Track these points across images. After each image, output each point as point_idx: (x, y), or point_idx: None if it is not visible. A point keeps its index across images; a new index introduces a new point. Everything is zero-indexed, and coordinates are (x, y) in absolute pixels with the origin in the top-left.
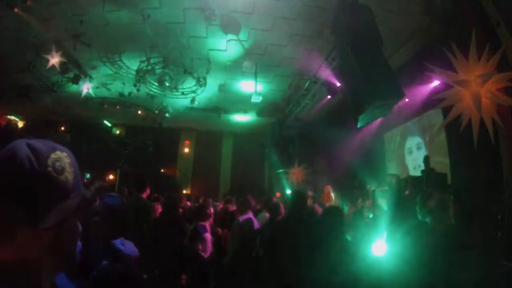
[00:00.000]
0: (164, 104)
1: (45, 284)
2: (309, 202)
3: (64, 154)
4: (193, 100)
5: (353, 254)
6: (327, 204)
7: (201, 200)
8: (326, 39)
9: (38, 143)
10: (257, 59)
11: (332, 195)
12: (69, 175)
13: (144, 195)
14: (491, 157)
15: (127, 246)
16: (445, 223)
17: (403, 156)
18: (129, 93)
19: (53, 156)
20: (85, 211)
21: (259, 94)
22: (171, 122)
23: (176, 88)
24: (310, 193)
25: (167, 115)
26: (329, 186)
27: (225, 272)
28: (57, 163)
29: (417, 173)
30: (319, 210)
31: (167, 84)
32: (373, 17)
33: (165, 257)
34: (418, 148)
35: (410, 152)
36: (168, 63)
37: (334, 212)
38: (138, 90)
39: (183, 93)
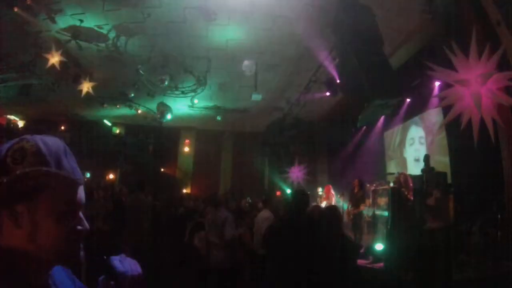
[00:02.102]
0: (164, 103)
1: (36, 277)
2: (326, 197)
3: (31, 143)
4: (193, 99)
5: (353, 253)
6: (327, 203)
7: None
8: (327, 38)
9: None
10: (257, 58)
11: (333, 193)
12: (30, 163)
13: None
14: (491, 156)
15: (124, 264)
16: (444, 222)
17: (404, 150)
18: (130, 92)
19: (15, 147)
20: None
21: (259, 93)
22: (171, 121)
23: (176, 87)
24: (330, 186)
25: (167, 114)
26: (329, 185)
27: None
28: (17, 153)
29: (417, 165)
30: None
31: (166, 83)
32: (373, 16)
33: (165, 254)
34: (421, 143)
35: (412, 143)
36: (169, 62)
37: (332, 211)
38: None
39: (183, 92)
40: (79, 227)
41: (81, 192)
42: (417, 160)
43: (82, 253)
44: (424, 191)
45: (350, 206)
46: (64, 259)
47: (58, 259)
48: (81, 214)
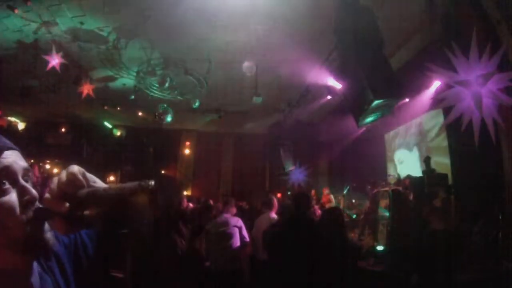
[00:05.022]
0: (165, 105)
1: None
2: (324, 199)
3: None
4: (193, 101)
5: (355, 254)
6: (327, 205)
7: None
8: (327, 39)
9: None
10: (257, 60)
11: (331, 196)
12: None
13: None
14: (492, 157)
15: None
16: (448, 223)
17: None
18: (132, 94)
19: None
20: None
21: (259, 95)
22: (172, 123)
23: (176, 89)
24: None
25: (168, 116)
26: (327, 188)
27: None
28: None
29: (403, 167)
30: (318, 211)
31: (167, 85)
32: (374, 17)
33: (165, 258)
34: (408, 150)
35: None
36: (169, 64)
37: (333, 213)
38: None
39: (183, 94)
40: (26, 197)
41: (13, 158)
42: (402, 162)
43: (50, 234)
44: (426, 193)
45: (351, 208)
46: (27, 244)
47: (21, 247)
48: (23, 182)
